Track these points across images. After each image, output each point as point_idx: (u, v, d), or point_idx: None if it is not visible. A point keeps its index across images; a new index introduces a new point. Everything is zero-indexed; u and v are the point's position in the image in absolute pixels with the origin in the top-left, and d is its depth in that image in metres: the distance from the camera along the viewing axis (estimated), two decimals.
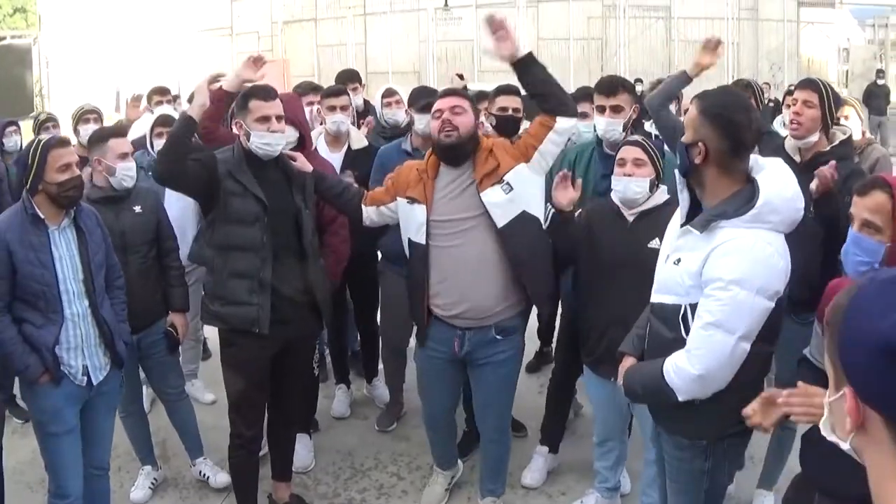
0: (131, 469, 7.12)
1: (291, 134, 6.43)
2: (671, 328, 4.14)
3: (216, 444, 6.13)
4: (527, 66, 5.53)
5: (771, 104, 18.47)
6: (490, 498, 6.43)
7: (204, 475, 6.96)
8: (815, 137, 5.63)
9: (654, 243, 5.17)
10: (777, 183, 3.93)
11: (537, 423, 7.15)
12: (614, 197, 5.56)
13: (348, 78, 9.30)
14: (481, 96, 7.98)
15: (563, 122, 5.56)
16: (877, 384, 1.82)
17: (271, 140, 5.66)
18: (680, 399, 4.05)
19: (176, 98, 9.26)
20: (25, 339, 5.16)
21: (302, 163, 5.96)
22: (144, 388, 7.11)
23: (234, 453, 6.09)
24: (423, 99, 6.99)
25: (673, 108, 7.98)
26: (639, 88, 24.88)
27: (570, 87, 7.00)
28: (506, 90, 7.31)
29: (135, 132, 8.64)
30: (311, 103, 8.23)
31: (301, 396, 6.74)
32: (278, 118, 5.71)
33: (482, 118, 7.32)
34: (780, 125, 9.35)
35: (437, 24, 35.81)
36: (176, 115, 7.40)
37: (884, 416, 1.83)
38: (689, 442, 4.32)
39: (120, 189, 6.17)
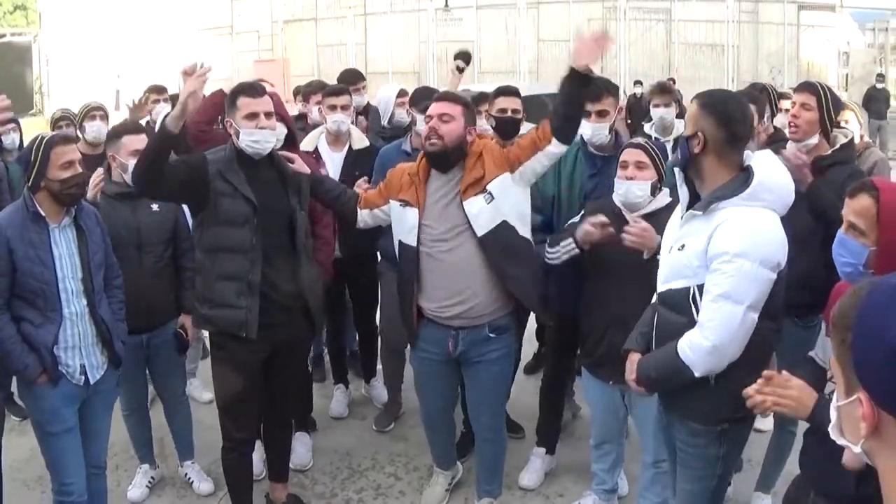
0: (129, 467, 7.12)
1: (281, 131, 6.43)
2: (681, 311, 4.30)
3: (212, 444, 6.13)
4: (583, 82, 5.46)
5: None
6: (487, 499, 6.41)
7: (189, 479, 6.96)
8: (814, 140, 5.64)
9: (645, 254, 5.23)
10: (769, 166, 4.24)
11: (535, 424, 7.13)
12: (616, 199, 5.56)
13: (352, 78, 9.26)
14: (481, 97, 7.98)
15: (555, 147, 5.56)
16: (892, 389, 1.82)
17: (260, 137, 5.58)
18: (696, 375, 4.18)
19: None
20: (24, 339, 5.14)
21: (300, 165, 5.95)
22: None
23: (226, 456, 6.08)
24: (424, 100, 6.94)
25: (674, 110, 7.98)
26: (638, 90, 24.98)
27: None
28: (505, 91, 7.32)
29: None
30: (319, 103, 8.20)
31: (296, 398, 6.77)
32: (267, 115, 5.63)
33: (482, 120, 7.35)
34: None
35: (437, 25, 35.82)
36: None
37: None
38: (703, 428, 4.42)
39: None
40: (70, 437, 5.36)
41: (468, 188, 5.60)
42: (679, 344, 4.22)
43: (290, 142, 6.51)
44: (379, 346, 8.23)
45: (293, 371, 6.27)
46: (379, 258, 7.61)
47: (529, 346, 7.83)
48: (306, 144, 7.54)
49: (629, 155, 5.49)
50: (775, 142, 6.21)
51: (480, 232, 5.58)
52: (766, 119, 6.80)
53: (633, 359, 4.72)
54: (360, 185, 6.35)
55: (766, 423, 6.64)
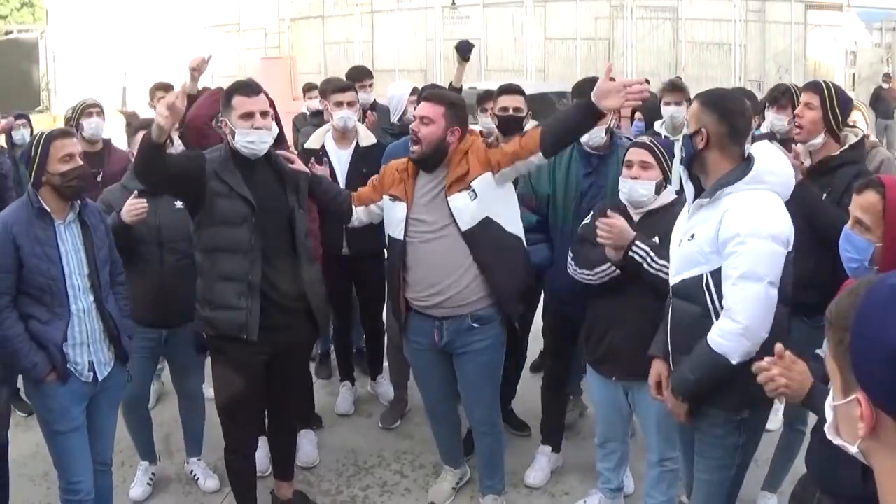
0: (134, 464, 7.11)
1: (275, 129, 6.45)
2: (695, 300, 4.43)
3: (218, 441, 6.10)
4: (596, 118, 5.49)
5: None
6: (491, 495, 6.43)
7: (195, 476, 6.98)
8: (819, 139, 5.63)
9: (654, 241, 5.27)
10: (767, 153, 4.50)
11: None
12: (621, 197, 5.57)
13: (360, 75, 9.25)
14: (487, 95, 7.99)
15: (539, 160, 5.64)
16: (892, 390, 1.81)
17: (255, 137, 5.51)
18: (735, 362, 4.25)
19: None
20: (32, 337, 5.13)
21: (299, 164, 5.95)
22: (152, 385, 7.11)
23: (228, 457, 6.08)
24: None
25: (685, 109, 7.91)
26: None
27: None
28: (507, 90, 7.36)
29: None
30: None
31: (300, 398, 6.79)
32: (263, 114, 5.56)
33: (487, 117, 7.37)
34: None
35: (444, 23, 35.76)
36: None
37: None
38: (723, 415, 4.51)
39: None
40: (78, 436, 5.36)
41: (453, 184, 5.68)
42: (709, 337, 4.29)
43: (280, 141, 6.51)
44: (385, 343, 8.26)
45: (296, 372, 6.25)
46: (386, 256, 7.60)
47: (536, 344, 7.82)
48: (313, 142, 7.57)
49: (634, 154, 5.50)
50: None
51: (465, 227, 5.67)
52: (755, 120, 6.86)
53: (656, 369, 4.84)
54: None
55: (774, 423, 6.64)
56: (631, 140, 6.08)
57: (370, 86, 9.25)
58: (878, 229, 3.91)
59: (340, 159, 7.45)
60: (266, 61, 36.25)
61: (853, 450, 1.96)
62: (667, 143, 5.80)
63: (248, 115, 5.47)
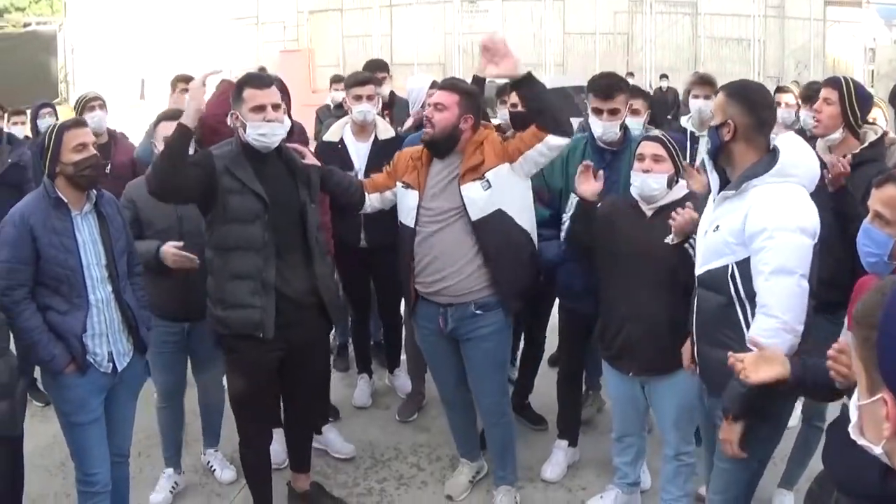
0: (152, 454, 7.17)
1: (287, 122, 6.45)
2: (720, 291, 4.43)
3: (235, 433, 6.12)
4: (527, 84, 5.60)
5: None
6: (504, 486, 6.45)
7: (211, 467, 7.01)
8: (837, 135, 5.63)
9: (671, 238, 5.22)
10: (793, 144, 4.43)
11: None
12: (633, 191, 5.57)
13: (376, 68, 9.23)
14: (506, 88, 7.98)
15: (554, 140, 5.63)
16: None
17: (268, 130, 5.46)
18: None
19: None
20: (51, 328, 5.12)
21: (310, 158, 5.94)
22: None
23: (242, 451, 6.10)
24: None
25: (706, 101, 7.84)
26: (664, 84, 24.90)
27: None
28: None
29: None
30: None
31: (317, 394, 6.77)
32: (275, 107, 5.51)
33: (506, 110, 7.38)
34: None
35: (462, 17, 35.75)
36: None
37: None
38: None
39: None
40: (96, 427, 5.35)
41: (466, 173, 5.70)
42: (748, 336, 4.22)
43: (291, 134, 6.52)
44: (403, 336, 8.26)
45: (312, 368, 6.20)
46: None
47: (554, 337, 7.81)
48: (332, 134, 7.56)
49: (646, 148, 5.49)
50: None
51: (475, 216, 5.69)
52: None
53: (687, 348, 4.96)
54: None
55: (792, 419, 6.62)
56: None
57: (386, 79, 9.23)
58: None
59: (359, 152, 7.43)
60: (285, 54, 36.23)
61: (878, 451, 1.95)
62: (678, 138, 5.79)
63: (260, 108, 5.43)
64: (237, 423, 6.00)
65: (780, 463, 6.29)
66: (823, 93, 5.70)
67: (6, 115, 9.42)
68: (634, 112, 6.98)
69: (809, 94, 7.32)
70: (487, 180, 5.66)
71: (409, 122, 8.22)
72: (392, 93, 9.44)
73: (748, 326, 4.32)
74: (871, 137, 5.63)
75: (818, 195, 4.51)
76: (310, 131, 7.25)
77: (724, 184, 4.50)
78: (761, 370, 3.82)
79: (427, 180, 5.83)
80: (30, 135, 9.27)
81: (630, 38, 35.32)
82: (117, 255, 5.33)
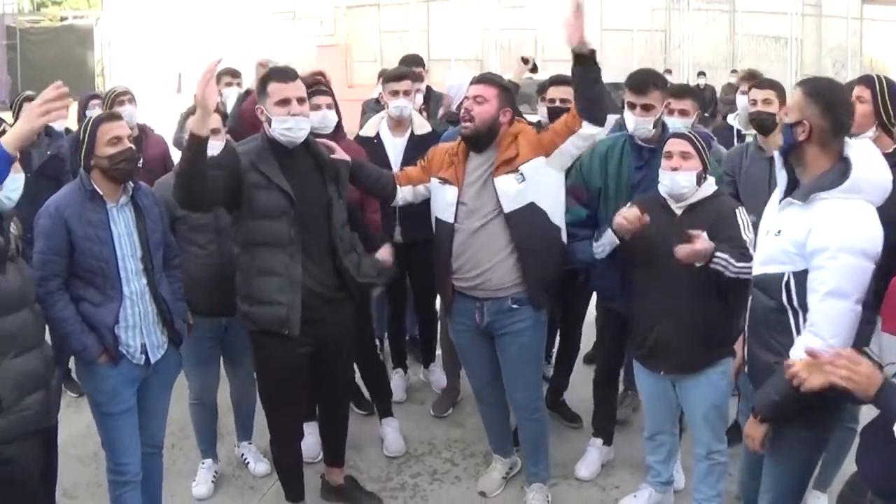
0: (185, 447, 7.22)
1: (332, 118, 6.50)
2: (773, 296, 4.34)
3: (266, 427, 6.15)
4: (586, 61, 5.53)
5: None
6: (537, 484, 6.44)
7: (245, 459, 7.03)
8: (870, 133, 5.55)
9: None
10: (867, 158, 4.20)
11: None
12: (661, 190, 5.55)
13: (413, 63, 9.23)
14: (544, 87, 7.96)
15: (587, 129, 5.61)
16: None
17: (293, 124, 5.44)
18: None
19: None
20: (84, 319, 5.14)
21: (340, 153, 5.91)
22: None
23: (272, 447, 6.13)
24: None
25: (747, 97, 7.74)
26: (702, 82, 24.82)
27: None
28: (557, 81, 7.39)
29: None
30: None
31: (349, 388, 6.81)
32: (300, 100, 5.48)
33: (543, 107, 7.36)
34: None
35: (500, 12, 35.71)
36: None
37: None
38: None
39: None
40: (128, 418, 5.37)
41: (500, 166, 5.69)
42: (793, 353, 4.17)
43: (337, 129, 6.57)
44: (438, 331, 8.27)
45: (342, 363, 6.21)
46: None
47: (590, 335, 7.79)
48: (368, 129, 7.57)
49: (673, 145, 5.48)
50: None
51: (508, 209, 5.68)
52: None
53: (739, 346, 4.90)
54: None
55: None
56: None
57: (421, 73, 9.21)
58: None
59: (395, 147, 7.43)
60: (321, 49, 36.33)
61: None
62: (705, 135, 5.75)
63: (285, 102, 5.41)
64: (267, 419, 6.00)
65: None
66: (856, 91, 5.62)
67: None
68: (683, 113, 6.88)
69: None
70: (521, 173, 5.64)
71: (441, 112, 8.23)
72: (429, 88, 9.43)
73: (798, 334, 4.26)
74: None
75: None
76: (350, 125, 7.21)
77: (792, 183, 4.41)
78: (818, 377, 3.78)
79: (465, 176, 5.81)
80: (73, 127, 9.32)
81: (667, 35, 35.22)
82: (153, 248, 5.34)
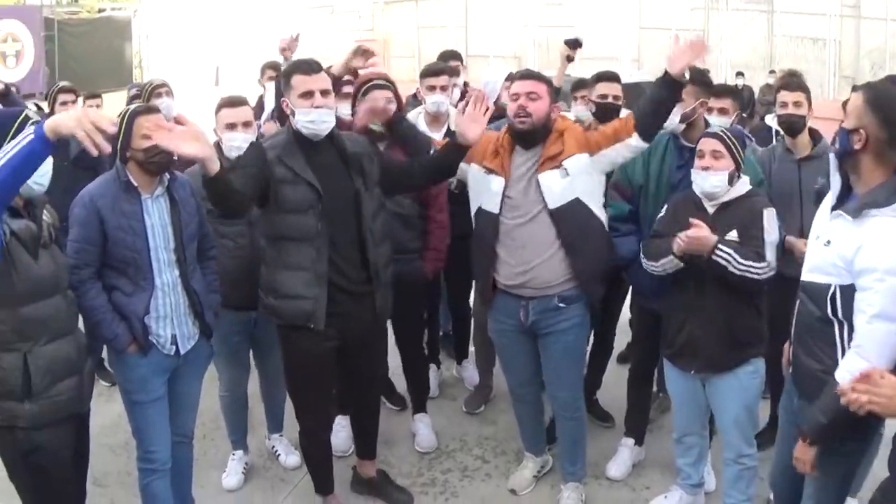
0: (216, 437, 7.26)
1: (392, 111, 6.46)
2: (819, 306, 4.28)
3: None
4: (675, 87, 5.50)
5: None
6: (572, 483, 6.41)
7: (276, 451, 7.06)
8: None
9: (732, 235, 5.25)
10: None
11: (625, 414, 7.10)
12: (695, 189, 5.54)
13: (451, 58, 9.21)
14: (580, 84, 7.94)
15: (637, 142, 5.60)
16: None
17: (316, 117, 5.38)
18: None
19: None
20: (115, 308, 5.17)
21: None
22: None
23: (301, 440, 6.14)
24: None
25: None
26: (740, 82, 24.71)
27: None
28: (606, 77, 7.35)
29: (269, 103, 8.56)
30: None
31: (380, 381, 6.82)
32: (323, 93, 5.42)
33: (579, 105, 7.33)
34: None
35: (538, 9, 35.68)
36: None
37: None
38: None
39: (232, 159, 5.91)
40: (157, 407, 5.40)
41: (545, 162, 5.66)
42: (837, 376, 4.12)
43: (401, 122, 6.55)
44: (472, 328, 8.24)
45: (368, 356, 6.13)
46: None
47: (622, 335, 7.77)
48: None
49: (705, 144, 5.46)
50: None
51: (553, 205, 5.64)
52: None
53: (786, 349, 4.82)
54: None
55: None
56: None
57: (459, 68, 9.19)
58: None
59: None
60: (359, 44, 36.35)
61: None
62: (739, 133, 5.71)
63: (308, 94, 5.38)
64: (296, 413, 6.03)
65: None
66: None
67: (81, 99, 9.48)
68: (722, 111, 6.89)
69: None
70: (565, 169, 5.61)
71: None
72: (466, 84, 9.41)
73: (843, 345, 4.22)
74: None
75: None
76: None
77: (845, 188, 4.31)
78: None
79: (512, 170, 5.78)
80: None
81: (706, 35, 35.04)
82: (187, 240, 5.35)
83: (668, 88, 5.47)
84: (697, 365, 5.61)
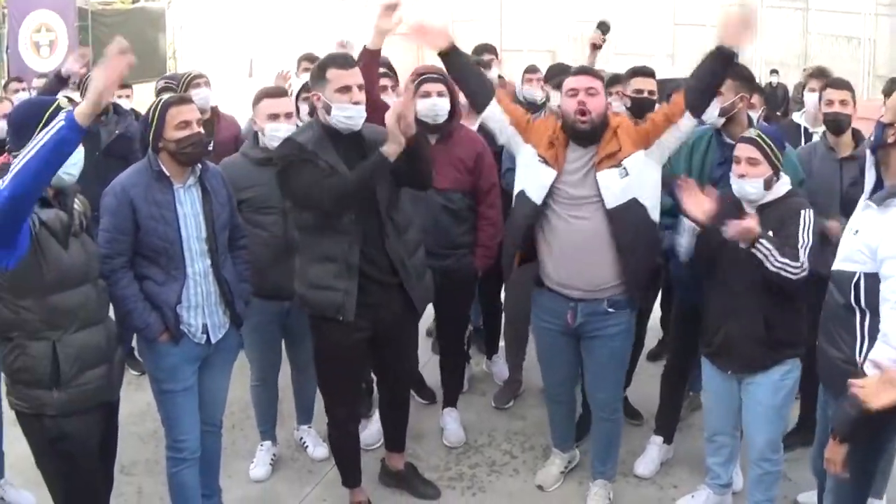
0: (245, 427, 7.29)
1: (443, 106, 6.56)
2: (844, 294, 4.32)
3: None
4: (727, 61, 5.49)
5: None
6: (601, 480, 6.38)
7: (304, 443, 7.07)
8: None
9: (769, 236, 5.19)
10: None
11: (655, 412, 7.06)
12: (734, 191, 5.51)
13: (484, 51, 9.23)
14: (615, 79, 7.91)
15: (688, 120, 5.57)
16: None
17: (354, 112, 5.41)
18: None
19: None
20: (147, 298, 5.20)
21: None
22: None
23: (330, 431, 6.16)
24: (559, 76, 6.90)
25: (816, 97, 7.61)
26: (774, 80, 24.59)
27: None
28: (641, 72, 7.35)
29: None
30: None
31: (410, 373, 6.84)
32: (360, 87, 5.44)
33: (614, 100, 7.31)
34: None
35: (573, 4, 35.58)
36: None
37: None
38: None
39: (272, 150, 5.91)
40: (187, 396, 5.42)
41: (603, 160, 5.58)
42: (866, 366, 4.11)
43: (452, 116, 6.65)
44: (502, 323, 8.23)
45: (396, 348, 6.10)
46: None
47: (653, 333, 7.74)
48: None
49: (741, 150, 5.41)
50: None
51: (610, 204, 5.56)
52: None
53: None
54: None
55: None
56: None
57: (492, 61, 9.17)
58: None
59: None
60: (393, 36, 36.30)
61: None
62: (775, 134, 5.67)
63: (346, 89, 5.38)
64: (325, 405, 6.02)
65: None
66: None
67: None
68: (749, 106, 6.81)
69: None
70: (625, 168, 5.55)
71: None
72: (501, 77, 9.40)
73: (862, 335, 4.24)
74: None
75: None
76: None
77: (879, 182, 4.34)
78: (882, 395, 3.73)
79: (566, 164, 5.70)
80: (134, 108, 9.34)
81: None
82: (218, 230, 5.38)
83: (719, 61, 5.45)
84: (735, 365, 5.59)
